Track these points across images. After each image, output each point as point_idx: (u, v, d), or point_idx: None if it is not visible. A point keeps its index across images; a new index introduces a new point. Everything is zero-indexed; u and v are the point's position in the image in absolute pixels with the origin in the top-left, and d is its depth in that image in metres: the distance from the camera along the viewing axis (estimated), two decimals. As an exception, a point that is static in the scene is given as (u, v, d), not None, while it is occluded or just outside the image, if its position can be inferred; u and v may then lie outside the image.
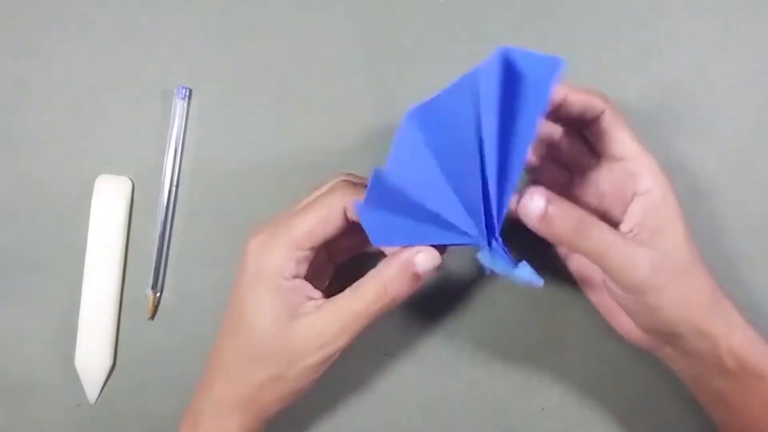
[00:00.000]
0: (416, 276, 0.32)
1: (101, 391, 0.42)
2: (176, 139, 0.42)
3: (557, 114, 0.33)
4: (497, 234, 0.31)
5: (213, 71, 0.42)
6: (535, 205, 0.31)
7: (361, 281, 0.33)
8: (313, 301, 0.33)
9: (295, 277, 0.33)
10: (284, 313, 0.32)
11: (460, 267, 0.42)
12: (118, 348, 0.42)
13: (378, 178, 0.30)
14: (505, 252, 0.31)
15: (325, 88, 0.42)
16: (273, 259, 0.32)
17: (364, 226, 0.32)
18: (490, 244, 0.31)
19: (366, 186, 0.31)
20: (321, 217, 0.33)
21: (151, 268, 0.42)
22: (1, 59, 0.42)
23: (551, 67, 0.28)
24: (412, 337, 0.42)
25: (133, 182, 0.42)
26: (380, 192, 0.31)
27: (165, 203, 0.42)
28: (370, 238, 0.32)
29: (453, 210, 0.31)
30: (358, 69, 0.42)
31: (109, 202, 0.42)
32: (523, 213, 0.31)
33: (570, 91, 0.32)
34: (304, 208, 0.33)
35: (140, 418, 0.42)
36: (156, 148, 0.42)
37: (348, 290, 0.33)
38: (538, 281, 0.31)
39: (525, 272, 0.31)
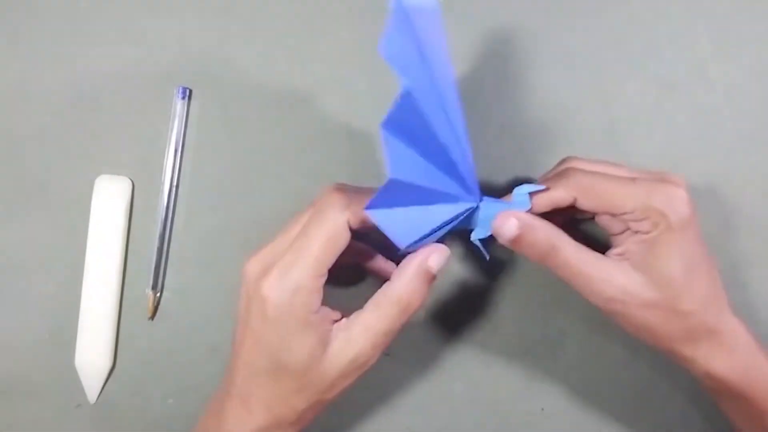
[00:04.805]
0: (432, 278, 0.33)
1: (101, 391, 0.42)
2: (176, 139, 0.42)
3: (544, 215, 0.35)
4: (478, 191, 0.33)
5: (213, 71, 0.42)
6: (507, 229, 0.33)
7: (381, 298, 0.33)
8: (337, 325, 0.33)
9: (321, 305, 0.32)
10: (318, 347, 0.32)
11: (460, 267, 0.42)
12: (118, 348, 0.42)
13: (393, 183, 0.29)
14: (496, 199, 0.34)
15: (326, 89, 0.42)
16: (300, 295, 0.31)
17: (383, 230, 0.31)
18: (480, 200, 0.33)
19: (357, 191, 0.32)
20: (330, 236, 0.32)
21: (151, 268, 0.42)
22: (2, 59, 0.42)
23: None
24: (412, 337, 0.42)
25: (133, 182, 0.42)
26: (390, 194, 0.30)
27: (165, 203, 0.42)
28: (396, 243, 0.31)
29: (448, 185, 0.31)
30: (358, 69, 0.42)
31: (109, 202, 0.42)
32: (497, 233, 0.33)
33: (537, 201, 0.34)
34: (308, 230, 0.32)
35: (140, 418, 0.42)
36: (156, 148, 0.42)
37: (371, 310, 0.33)
38: (541, 186, 0.33)
39: (524, 190, 0.33)
